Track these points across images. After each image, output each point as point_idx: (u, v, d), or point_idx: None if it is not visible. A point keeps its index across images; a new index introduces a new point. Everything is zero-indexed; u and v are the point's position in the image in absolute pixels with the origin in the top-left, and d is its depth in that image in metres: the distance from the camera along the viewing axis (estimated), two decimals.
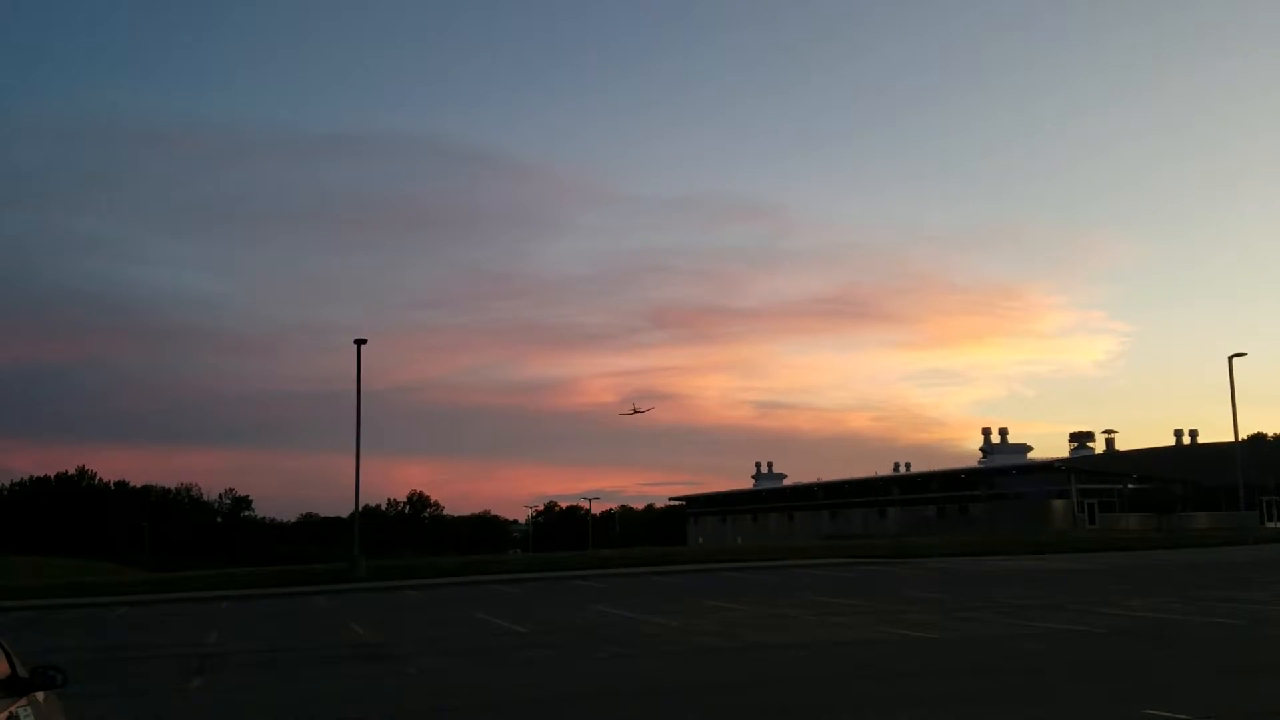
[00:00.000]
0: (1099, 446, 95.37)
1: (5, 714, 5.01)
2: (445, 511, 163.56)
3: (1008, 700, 10.79)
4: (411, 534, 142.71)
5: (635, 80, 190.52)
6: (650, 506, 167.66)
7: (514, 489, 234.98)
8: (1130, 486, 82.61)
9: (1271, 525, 76.06)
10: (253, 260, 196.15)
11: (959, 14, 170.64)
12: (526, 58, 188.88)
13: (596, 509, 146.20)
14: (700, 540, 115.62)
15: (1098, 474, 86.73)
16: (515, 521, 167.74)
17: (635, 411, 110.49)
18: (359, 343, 40.30)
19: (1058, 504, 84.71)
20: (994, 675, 12.41)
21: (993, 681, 11.98)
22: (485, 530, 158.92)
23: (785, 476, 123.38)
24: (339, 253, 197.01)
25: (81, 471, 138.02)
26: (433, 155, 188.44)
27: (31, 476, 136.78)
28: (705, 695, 11.66)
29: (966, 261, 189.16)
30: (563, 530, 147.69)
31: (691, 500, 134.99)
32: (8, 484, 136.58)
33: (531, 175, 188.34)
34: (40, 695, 5.70)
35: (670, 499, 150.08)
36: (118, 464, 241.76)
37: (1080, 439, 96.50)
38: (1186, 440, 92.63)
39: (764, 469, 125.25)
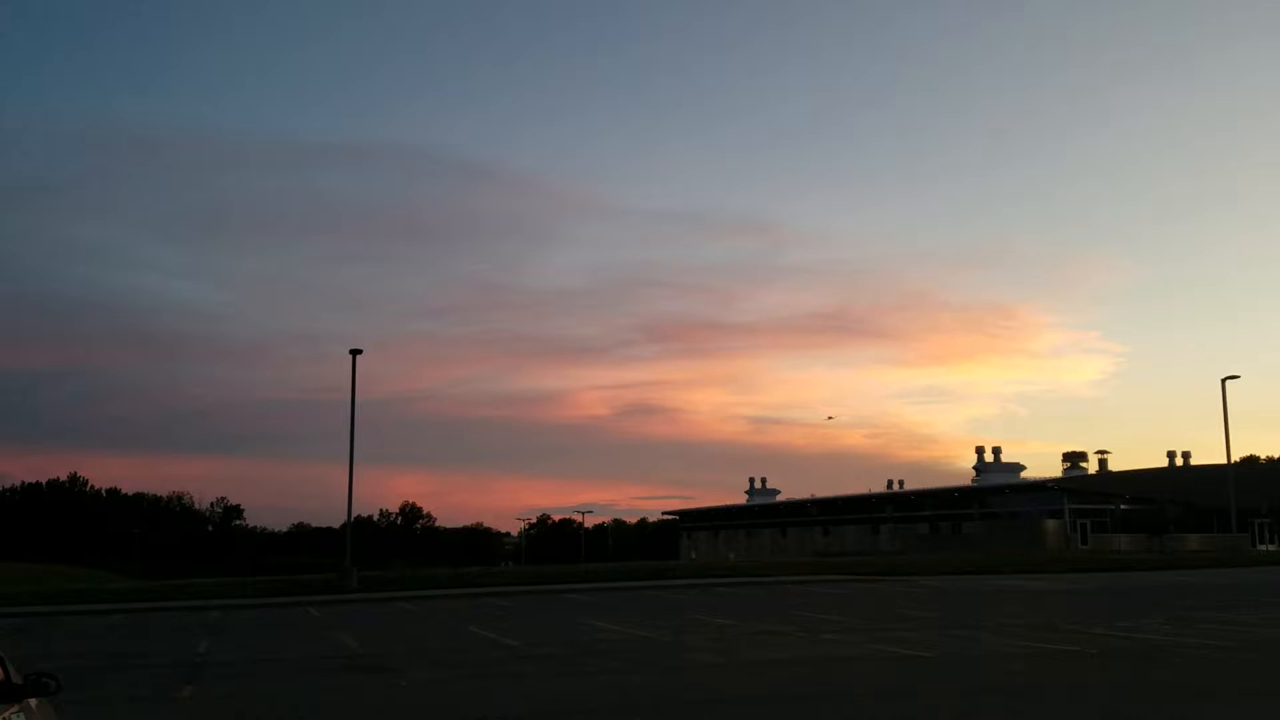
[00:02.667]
0: (1092, 467, 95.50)
1: None
2: (438, 523, 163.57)
3: (1000, 718, 10.81)
4: (403, 545, 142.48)
5: (634, 94, 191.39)
6: (643, 521, 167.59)
7: (507, 501, 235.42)
8: (1123, 507, 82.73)
9: (1263, 548, 76.14)
10: (249, 268, 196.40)
11: (956, 33, 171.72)
12: (526, 70, 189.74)
13: (589, 522, 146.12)
14: (693, 555, 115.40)
15: (1090, 494, 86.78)
16: (508, 534, 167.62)
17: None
18: (354, 353, 40.35)
19: (1050, 523, 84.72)
20: (986, 694, 12.43)
21: (985, 699, 12.01)
22: (477, 542, 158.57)
23: (779, 492, 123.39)
24: (335, 262, 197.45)
25: (74, 478, 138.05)
26: (430, 166, 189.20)
27: (24, 483, 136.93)
28: (696, 712, 11.66)
29: (961, 280, 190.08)
30: (555, 543, 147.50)
31: (684, 515, 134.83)
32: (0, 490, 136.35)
33: (528, 187, 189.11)
34: (34, 702, 5.70)
35: (663, 513, 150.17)
36: (111, 471, 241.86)
37: (1073, 459, 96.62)
38: (1179, 461, 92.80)
39: (758, 484, 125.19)
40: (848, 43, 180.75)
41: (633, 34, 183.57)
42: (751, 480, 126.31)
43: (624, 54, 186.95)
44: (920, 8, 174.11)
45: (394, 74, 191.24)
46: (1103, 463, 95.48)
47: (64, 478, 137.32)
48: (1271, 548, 77.59)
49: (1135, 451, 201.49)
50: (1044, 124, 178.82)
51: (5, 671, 5.56)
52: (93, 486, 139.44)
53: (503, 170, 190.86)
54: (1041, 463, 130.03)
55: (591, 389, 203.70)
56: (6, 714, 5.18)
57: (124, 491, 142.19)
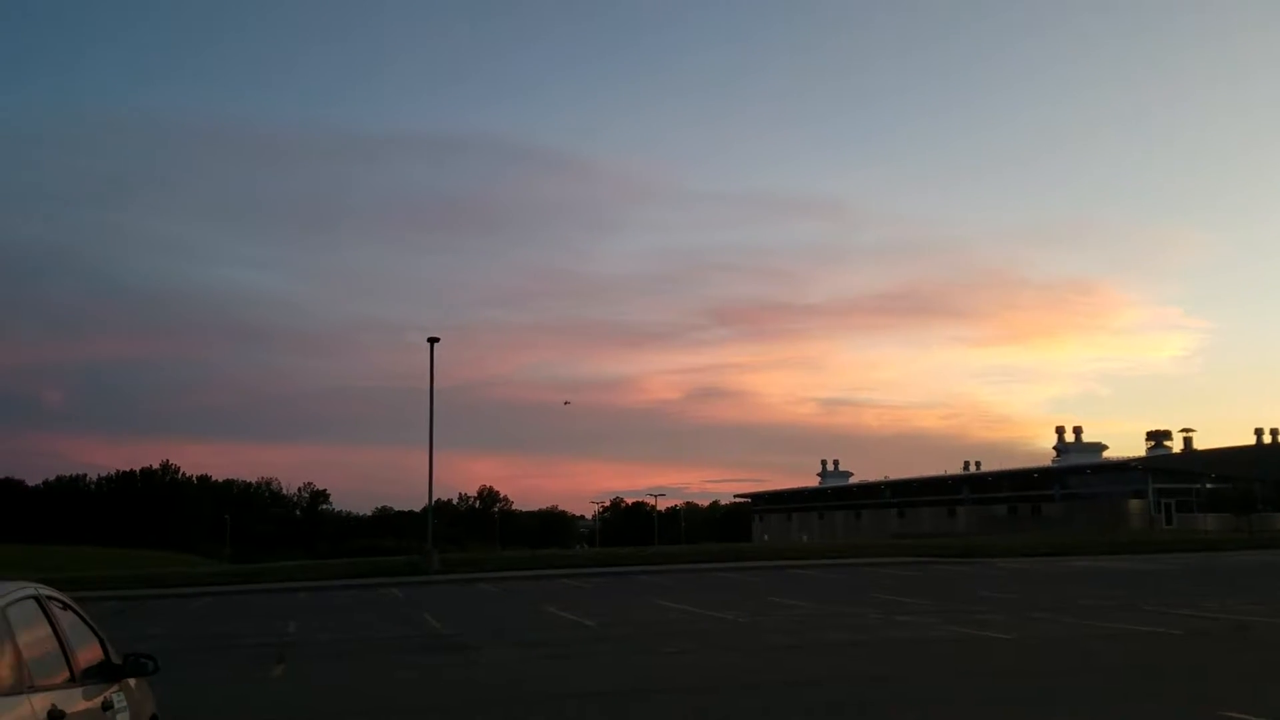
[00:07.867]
0: (1176, 445, 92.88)
1: (100, 699, 5.22)
2: (514, 507, 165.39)
3: (1081, 700, 10.64)
4: (481, 528, 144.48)
5: (700, 77, 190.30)
6: (715, 503, 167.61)
7: (580, 485, 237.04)
8: (1208, 486, 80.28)
9: None
10: (326, 259, 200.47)
11: (1031, 7, 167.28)
12: (591, 56, 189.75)
13: (662, 505, 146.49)
14: (765, 538, 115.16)
15: (1175, 473, 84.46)
16: (582, 517, 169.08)
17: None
18: (432, 341, 41.02)
19: (1134, 504, 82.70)
20: (1067, 675, 12.25)
21: (1066, 681, 11.83)
22: (553, 526, 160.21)
23: (851, 474, 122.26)
24: (409, 252, 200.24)
25: (165, 466, 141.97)
26: (498, 154, 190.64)
27: (117, 471, 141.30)
28: (766, 692, 11.70)
29: (1038, 257, 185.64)
30: (629, 526, 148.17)
31: (756, 497, 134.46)
32: (94, 478, 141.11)
33: (596, 173, 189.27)
34: (132, 682, 5.93)
35: (735, 496, 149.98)
36: (200, 458, 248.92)
37: (1157, 438, 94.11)
38: (1268, 439, 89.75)
39: (829, 466, 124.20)
40: (918, 20, 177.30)
41: (701, 17, 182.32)
42: (824, 462, 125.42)
43: (690, 38, 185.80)
44: None
45: (463, 64, 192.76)
46: (1187, 441, 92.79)
47: (155, 466, 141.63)
48: None
49: (1221, 429, 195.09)
50: (1125, 98, 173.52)
51: (105, 652, 5.78)
52: (183, 474, 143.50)
53: (570, 157, 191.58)
54: (1124, 442, 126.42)
55: (661, 373, 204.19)
56: (107, 694, 5.40)
57: (214, 478, 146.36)
